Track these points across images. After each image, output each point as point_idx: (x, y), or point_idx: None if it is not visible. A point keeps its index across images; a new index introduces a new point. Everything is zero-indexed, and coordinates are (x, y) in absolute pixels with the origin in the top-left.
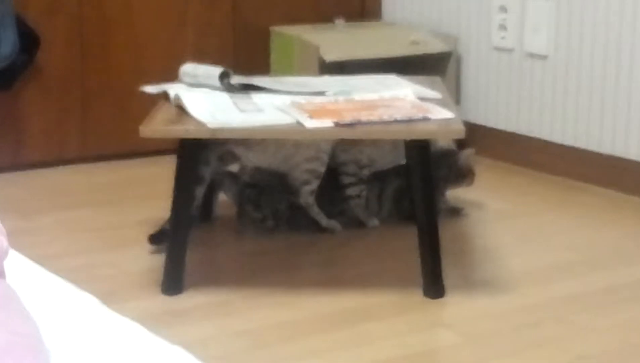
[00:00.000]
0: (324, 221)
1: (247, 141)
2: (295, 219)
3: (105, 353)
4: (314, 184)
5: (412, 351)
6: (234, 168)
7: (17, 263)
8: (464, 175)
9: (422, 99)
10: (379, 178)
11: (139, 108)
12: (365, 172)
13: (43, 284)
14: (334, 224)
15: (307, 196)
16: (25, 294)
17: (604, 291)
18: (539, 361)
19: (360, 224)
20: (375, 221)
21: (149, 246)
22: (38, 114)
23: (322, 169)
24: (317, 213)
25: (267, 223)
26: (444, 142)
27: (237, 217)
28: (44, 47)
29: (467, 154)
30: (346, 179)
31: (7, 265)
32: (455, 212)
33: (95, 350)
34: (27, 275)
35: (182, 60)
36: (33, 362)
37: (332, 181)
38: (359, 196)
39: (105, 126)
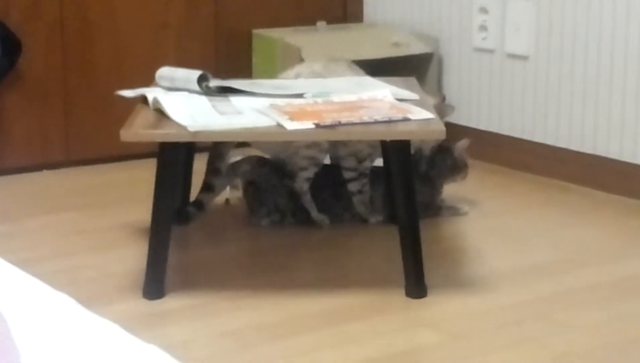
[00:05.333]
0: (313, 212)
1: None
2: (300, 213)
3: (79, 353)
4: (311, 171)
5: (395, 350)
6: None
7: None
8: (459, 168)
9: (400, 100)
10: (384, 176)
11: (121, 112)
12: (367, 164)
13: (18, 286)
14: (322, 217)
15: (302, 181)
16: None
17: (586, 290)
18: (522, 359)
19: (364, 220)
20: (378, 218)
21: (131, 249)
22: (20, 119)
23: (321, 157)
24: (308, 202)
25: (272, 218)
26: (430, 146)
27: (249, 211)
28: (26, 52)
29: (462, 145)
30: (347, 175)
31: None
32: (455, 211)
33: (68, 350)
34: (2, 277)
35: (164, 64)
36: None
37: (336, 177)
38: (360, 191)
39: (87, 130)
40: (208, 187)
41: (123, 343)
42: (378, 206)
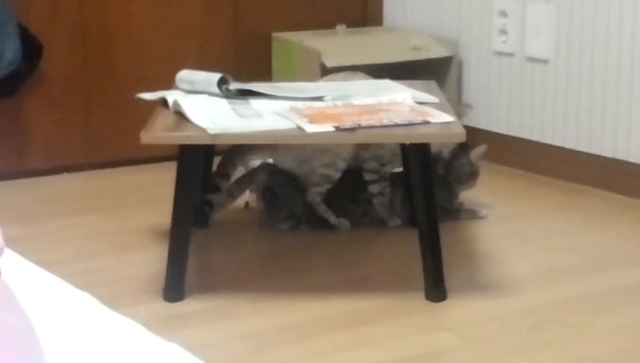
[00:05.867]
0: (332, 218)
1: (274, 147)
2: (314, 220)
3: (100, 350)
4: (324, 188)
5: (414, 353)
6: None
7: (15, 264)
8: (475, 174)
9: (420, 103)
10: (403, 180)
11: (140, 115)
12: (388, 169)
13: (40, 284)
14: (342, 221)
15: (314, 195)
16: (21, 293)
17: (605, 293)
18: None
19: (382, 223)
20: (397, 221)
21: (150, 252)
22: (40, 122)
23: (336, 176)
24: (324, 211)
25: (289, 223)
26: (444, 146)
27: (267, 215)
28: (46, 55)
29: (479, 152)
30: (368, 177)
31: (4, 264)
32: (473, 214)
33: (90, 347)
34: (24, 276)
35: (183, 67)
36: (23, 356)
37: (355, 181)
38: (381, 193)
39: (107, 133)
40: (215, 188)
41: (145, 341)
42: (397, 209)
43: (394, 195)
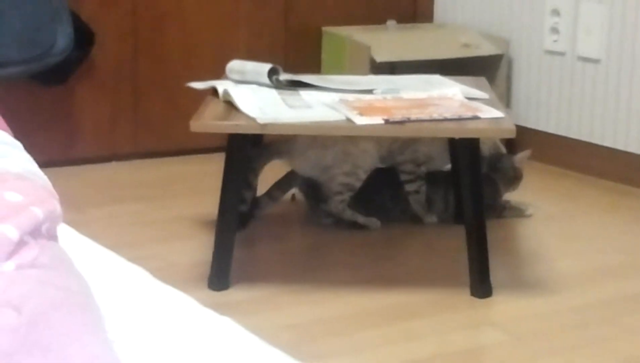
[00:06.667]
0: (360, 219)
1: (292, 151)
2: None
3: (154, 320)
4: (346, 196)
5: (458, 348)
6: None
7: (70, 237)
8: (518, 178)
9: (470, 98)
10: (444, 178)
11: (190, 105)
12: (423, 169)
13: (94, 256)
14: (372, 220)
15: (337, 204)
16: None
17: None
18: (587, 361)
19: (418, 220)
20: (433, 218)
21: (197, 241)
22: (91, 110)
23: (357, 185)
24: (351, 215)
25: (329, 219)
26: (489, 146)
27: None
28: (98, 43)
29: (523, 156)
30: (404, 177)
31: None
32: (519, 212)
33: (144, 316)
34: (79, 247)
35: (233, 57)
36: (82, 317)
37: (392, 180)
38: (417, 191)
39: (156, 122)
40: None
41: (198, 314)
42: (438, 208)
43: (434, 194)
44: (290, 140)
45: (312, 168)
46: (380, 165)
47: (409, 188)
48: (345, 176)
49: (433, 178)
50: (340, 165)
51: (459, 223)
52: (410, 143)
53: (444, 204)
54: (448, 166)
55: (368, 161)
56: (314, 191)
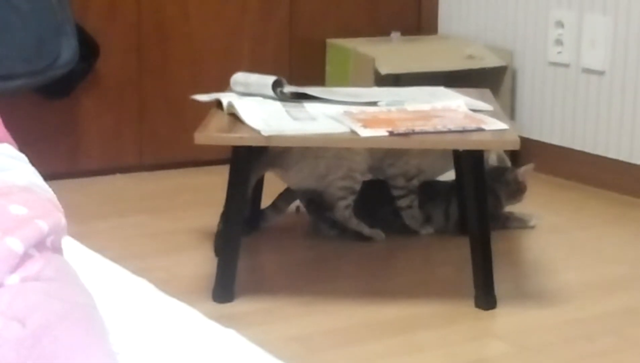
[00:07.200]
0: (365, 230)
1: (285, 163)
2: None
3: (158, 332)
4: (350, 200)
5: (463, 360)
6: None
7: (73, 249)
8: (521, 191)
9: (474, 110)
10: (445, 191)
11: (195, 117)
12: (415, 182)
13: (98, 268)
14: (377, 232)
15: (343, 210)
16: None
17: None
18: None
19: (416, 233)
20: (429, 229)
21: (201, 253)
22: (95, 122)
23: (357, 187)
24: (357, 224)
25: (335, 231)
26: (493, 158)
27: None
28: (102, 55)
29: (527, 170)
30: (396, 192)
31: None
32: (523, 223)
33: (149, 329)
34: (82, 260)
35: (237, 69)
36: (86, 330)
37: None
38: (409, 206)
39: (161, 135)
40: None
41: (203, 325)
42: (437, 223)
43: (435, 208)
44: (283, 152)
45: (307, 178)
46: (369, 176)
47: (401, 203)
48: (342, 180)
49: (432, 192)
50: (335, 171)
51: (463, 234)
52: (401, 153)
53: (445, 218)
54: (448, 176)
55: (362, 164)
56: (317, 203)
